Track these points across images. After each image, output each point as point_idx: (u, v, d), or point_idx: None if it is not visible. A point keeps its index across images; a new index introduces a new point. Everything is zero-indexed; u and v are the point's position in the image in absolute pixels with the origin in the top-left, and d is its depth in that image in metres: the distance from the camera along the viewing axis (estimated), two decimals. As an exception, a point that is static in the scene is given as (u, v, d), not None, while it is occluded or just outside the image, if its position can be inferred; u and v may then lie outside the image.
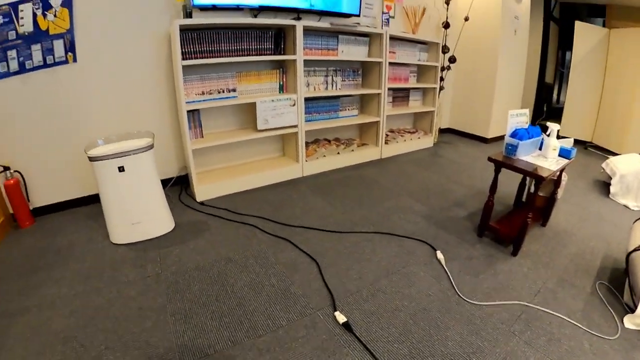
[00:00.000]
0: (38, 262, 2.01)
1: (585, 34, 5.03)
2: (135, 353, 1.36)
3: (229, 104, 2.90)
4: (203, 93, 2.83)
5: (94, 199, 2.75)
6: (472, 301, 1.66)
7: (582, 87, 5.10)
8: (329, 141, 3.62)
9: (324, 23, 3.11)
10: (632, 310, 1.60)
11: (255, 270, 1.90)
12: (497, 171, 2.14)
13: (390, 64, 3.71)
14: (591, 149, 4.79)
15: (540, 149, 2.27)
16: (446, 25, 4.32)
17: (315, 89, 3.35)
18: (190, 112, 2.77)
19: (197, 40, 2.66)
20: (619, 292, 1.76)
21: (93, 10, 2.60)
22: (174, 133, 3.01)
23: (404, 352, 1.38)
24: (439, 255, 2.03)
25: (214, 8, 2.76)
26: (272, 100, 2.94)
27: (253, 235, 2.26)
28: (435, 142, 4.54)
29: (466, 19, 4.41)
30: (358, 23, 3.34)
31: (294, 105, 3.03)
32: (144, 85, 2.83)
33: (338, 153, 3.50)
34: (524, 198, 2.63)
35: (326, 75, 3.38)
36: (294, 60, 2.99)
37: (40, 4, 2.51)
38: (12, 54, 2.48)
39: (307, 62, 3.13)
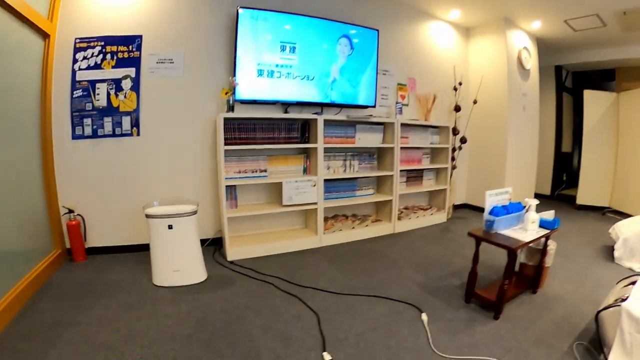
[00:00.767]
0: (88, 290, 2.61)
1: (595, 101, 5.24)
2: (165, 366, 1.80)
3: (260, 182, 3.50)
4: (239, 172, 3.44)
5: (139, 248, 3.37)
6: (443, 354, 1.94)
7: (596, 153, 5.26)
8: (347, 217, 4.08)
9: (342, 115, 3.77)
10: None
11: (267, 316, 2.30)
12: (477, 244, 2.47)
13: (404, 148, 4.24)
14: (610, 214, 4.83)
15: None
16: (457, 109, 4.88)
17: (334, 172, 3.90)
18: (228, 187, 3.36)
19: (237, 129, 3.36)
20: (598, 353, 1.90)
21: (155, 97, 3.41)
22: (213, 201, 3.61)
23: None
24: (423, 316, 2.32)
25: (253, 102, 3.50)
26: (296, 181, 3.50)
27: (270, 291, 2.69)
28: (449, 218, 4.87)
29: (475, 102, 4.95)
30: (372, 115, 3.97)
31: (314, 186, 3.58)
32: (192, 159, 3.55)
33: (353, 227, 3.93)
34: (516, 268, 2.85)
35: (345, 160, 3.95)
36: (316, 148, 3.59)
37: (114, 86, 3.32)
38: (87, 121, 3.26)
39: (327, 149, 3.71)
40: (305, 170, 3.74)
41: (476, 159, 5.41)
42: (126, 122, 3.35)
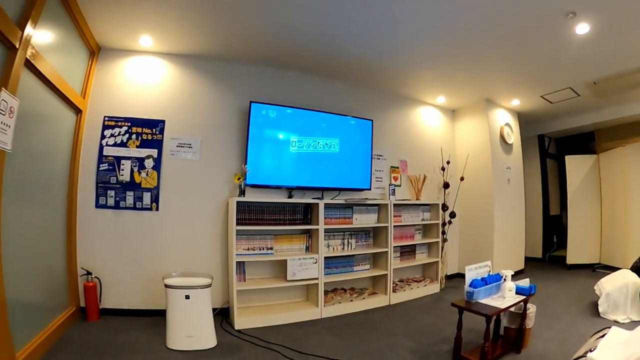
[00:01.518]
0: (104, 348, 2.90)
1: (576, 165, 5.58)
2: None
3: (266, 259, 3.87)
4: (248, 249, 3.81)
5: (150, 313, 3.65)
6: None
7: (582, 213, 5.54)
8: (345, 290, 4.39)
9: (340, 199, 4.21)
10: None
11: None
12: (460, 313, 2.81)
13: (397, 226, 4.64)
14: (599, 270, 5.04)
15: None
16: (446, 186, 5.33)
17: (334, 250, 4.26)
18: (238, 262, 3.70)
19: (247, 210, 3.77)
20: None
21: (174, 177, 3.87)
22: (222, 274, 3.94)
23: None
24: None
25: (262, 186, 3.94)
26: (299, 259, 3.86)
27: (275, 358, 2.96)
28: (442, 288, 5.14)
29: (462, 179, 5.41)
30: (367, 197, 4.41)
31: (315, 262, 3.93)
32: (204, 235, 3.94)
33: (351, 300, 4.22)
34: (501, 332, 3.16)
35: (343, 238, 4.33)
36: (318, 229, 3.98)
37: (138, 164, 3.74)
38: (111, 193, 3.66)
39: (327, 229, 4.10)
40: (307, 249, 4.11)
41: (466, 231, 5.78)
42: (147, 197, 3.76)
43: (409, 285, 4.83)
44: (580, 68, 4.34)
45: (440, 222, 5.15)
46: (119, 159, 3.70)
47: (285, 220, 3.96)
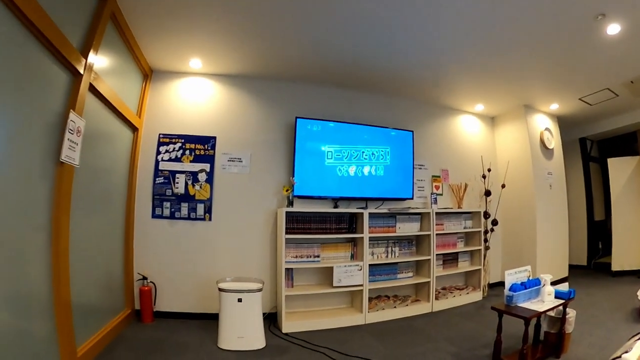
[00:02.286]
0: (159, 347, 3.13)
1: (619, 167, 5.47)
2: None
3: (313, 266, 4.06)
4: (296, 256, 4.01)
5: (202, 316, 3.89)
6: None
7: (626, 217, 5.43)
8: (388, 297, 4.51)
9: (384, 209, 4.35)
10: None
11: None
12: (500, 316, 2.88)
13: (439, 234, 4.72)
14: None
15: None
16: (487, 194, 5.35)
17: (378, 257, 4.41)
18: (287, 269, 3.90)
19: (295, 220, 3.97)
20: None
21: (226, 189, 4.13)
22: (271, 280, 4.15)
23: None
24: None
25: (309, 197, 4.14)
26: (345, 266, 4.03)
27: (320, 359, 3.13)
28: (484, 296, 5.14)
29: (503, 186, 5.41)
30: (410, 207, 4.53)
31: (360, 270, 4.08)
32: (254, 243, 4.17)
33: (394, 307, 4.34)
34: (541, 337, 3.19)
35: (387, 247, 4.47)
36: (362, 237, 4.14)
37: (191, 177, 4.03)
38: (166, 204, 3.95)
39: (372, 238, 4.24)
40: (352, 256, 4.27)
41: (508, 238, 5.75)
42: (200, 208, 4.04)
43: (451, 293, 4.88)
44: (615, 68, 4.29)
45: (482, 229, 5.16)
46: (174, 172, 4.00)
47: (332, 229, 4.14)
